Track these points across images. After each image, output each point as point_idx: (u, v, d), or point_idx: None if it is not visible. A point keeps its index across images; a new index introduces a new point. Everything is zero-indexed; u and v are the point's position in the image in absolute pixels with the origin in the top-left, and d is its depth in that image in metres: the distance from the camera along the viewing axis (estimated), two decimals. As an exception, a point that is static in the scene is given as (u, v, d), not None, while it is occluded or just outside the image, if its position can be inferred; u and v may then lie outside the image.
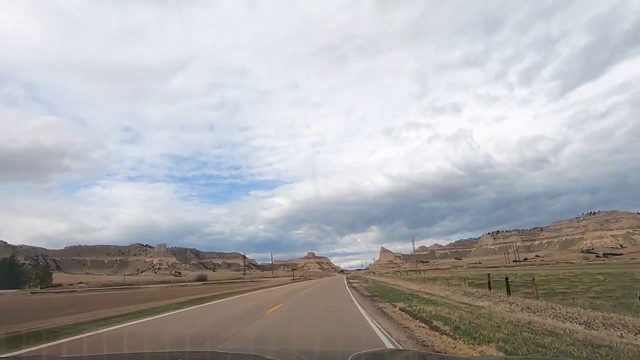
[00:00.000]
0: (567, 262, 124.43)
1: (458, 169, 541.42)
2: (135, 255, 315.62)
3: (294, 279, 59.95)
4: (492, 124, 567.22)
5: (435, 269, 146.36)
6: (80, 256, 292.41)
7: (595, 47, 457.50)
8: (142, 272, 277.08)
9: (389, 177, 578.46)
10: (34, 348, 6.68)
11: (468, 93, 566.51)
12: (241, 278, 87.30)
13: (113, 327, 9.21)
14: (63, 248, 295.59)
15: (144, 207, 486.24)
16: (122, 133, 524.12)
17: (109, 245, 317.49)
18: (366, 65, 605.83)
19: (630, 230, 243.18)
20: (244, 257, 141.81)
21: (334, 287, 31.29)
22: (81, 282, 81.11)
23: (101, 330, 8.75)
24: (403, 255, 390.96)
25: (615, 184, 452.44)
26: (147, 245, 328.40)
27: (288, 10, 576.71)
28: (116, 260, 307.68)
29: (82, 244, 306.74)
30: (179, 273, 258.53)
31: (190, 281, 71.51)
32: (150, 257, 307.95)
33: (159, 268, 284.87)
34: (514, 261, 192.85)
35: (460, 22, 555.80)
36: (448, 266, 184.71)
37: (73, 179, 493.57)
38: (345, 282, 46.83)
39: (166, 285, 45.78)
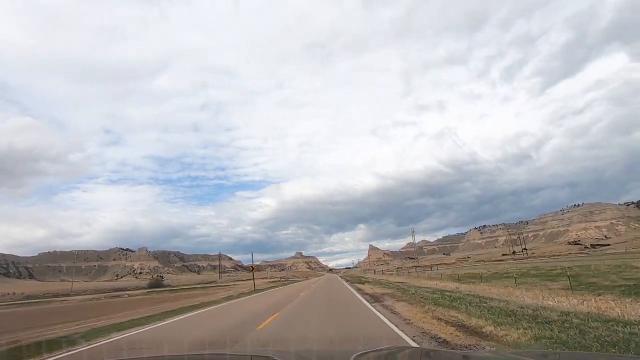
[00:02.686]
0: (573, 253, 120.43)
1: (444, 166, 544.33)
2: (115, 260, 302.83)
3: (254, 289, 36.00)
4: (476, 121, 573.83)
5: (440, 264, 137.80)
6: (56, 262, 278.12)
7: (574, 45, 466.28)
8: (122, 277, 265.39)
9: (376, 176, 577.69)
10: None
11: (452, 91, 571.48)
12: (215, 282, 78.90)
13: None
14: (37, 255, 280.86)
15: (127, 210, 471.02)
16: (103, 135, 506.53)
17: (87, 250, 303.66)
18: (352, 64, 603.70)
19: (614, 222, 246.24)
20: (220, 258, 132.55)
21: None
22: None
23: None
24: (391, 252, 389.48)
25: (593, 178, 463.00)
26: (127, 249, 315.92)
27: (273, 7, 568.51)
28: (94, 266, 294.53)
29: (57, 250, 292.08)
30: (161, 277, 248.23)
31: (143, 288, 60.47)
32: (131, 261, 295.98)
33: (140, 272, 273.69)
34: (503, 254, 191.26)
35: (444, 20, 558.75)
36: (452, 260, 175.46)
37: (51, 183, 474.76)
38: (360, 296, 19.15)
39: (91, 297, 37.53)
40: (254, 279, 34.99)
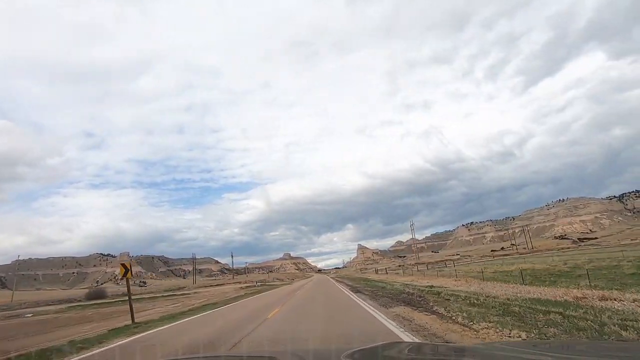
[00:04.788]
0: (580, 247, 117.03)
1: (430, 165, 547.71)
2: (95, 266, 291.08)
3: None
4: (461, 120, 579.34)
5: (445, 259, 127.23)
6: (31, 270, 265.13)
7: (554, 44, 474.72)
8: (102, 284, 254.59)
9: (364, 175, 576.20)
10: None
11: (438, 90, 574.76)
12: (186, 287, 71.93)
13: None
14: (9, 263, 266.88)
15: (110, 215, 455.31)
16: (84, 138, 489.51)
17: (65, 257, 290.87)
18: (339, 63, 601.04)
19: (598, 215, 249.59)
20: (194, 262, 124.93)
21: None
22: None
23: None
24: (380, 251, 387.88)
25: (574, 174, 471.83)
26: (108, 254, 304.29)
27: (258, 5, 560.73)
28: (73, 273, 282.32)
29: (33, 257, 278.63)
30: (144, 283, 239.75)
31: (70, 301, 46.18)
32: (112, 267, 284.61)
33: (122, 279, 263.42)
34: (492, 250, 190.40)
35: (429, 18, 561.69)
36: (456, 256, 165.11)
37: (30, 189, 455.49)
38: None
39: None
40: (130, 305, 18.70)
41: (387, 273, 66.46)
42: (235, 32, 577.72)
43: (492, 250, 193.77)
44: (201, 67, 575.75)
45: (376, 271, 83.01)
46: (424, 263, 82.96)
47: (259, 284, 61.67)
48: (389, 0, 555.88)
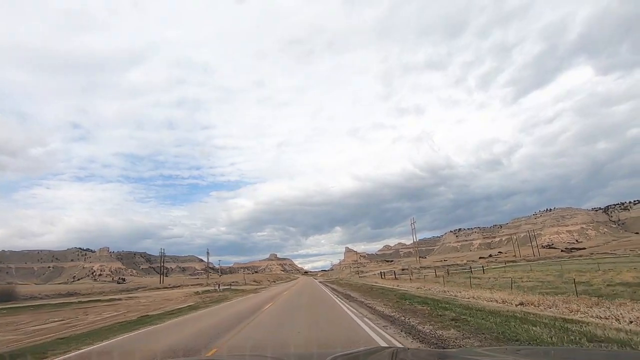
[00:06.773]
0: (576, 257, 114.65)
1: (420, 170, 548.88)
2: (72, 260, 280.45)
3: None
4: (452, 127, 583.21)
5: (449, 263, 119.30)
6: (3, 263, 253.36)
7: (546, 56, 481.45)
8: (79, 279, 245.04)
9: (354, 178, 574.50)
10: None
11: (430, 95, 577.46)
12: (147, 287, 64.91)
13: None
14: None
15: (94, 209, 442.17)
16: (69, 130, 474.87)
17: (41, 251, 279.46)
18: (333, 63, 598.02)
19: (584, 226, 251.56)
20: (162, 260, 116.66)
21: None
22: None
23: None
24: (367, 254, 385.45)
25: (559, 185, 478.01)
26: (87, 249, 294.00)
27: (254, 1, 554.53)
28: (49, 267, 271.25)
29: (6, 250, 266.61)
30: (123, 280, 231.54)
31: None
32: (90, 262, 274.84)
33: (100, 274, 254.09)
34: (480, 258, 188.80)
35: (425, 23, 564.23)
36: (460, 260, 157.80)
37: (10, 179, 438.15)
38: None
39: None
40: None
41: (396, 278, 48.15)
42: (229, 29, 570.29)
43: (480, 257, 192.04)
44: (194, 63, 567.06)
45: (382, 275, 61.46)
46: (431, 267, 71.39)
47: (222, 288, 49.40)
48: (386, 2, 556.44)
